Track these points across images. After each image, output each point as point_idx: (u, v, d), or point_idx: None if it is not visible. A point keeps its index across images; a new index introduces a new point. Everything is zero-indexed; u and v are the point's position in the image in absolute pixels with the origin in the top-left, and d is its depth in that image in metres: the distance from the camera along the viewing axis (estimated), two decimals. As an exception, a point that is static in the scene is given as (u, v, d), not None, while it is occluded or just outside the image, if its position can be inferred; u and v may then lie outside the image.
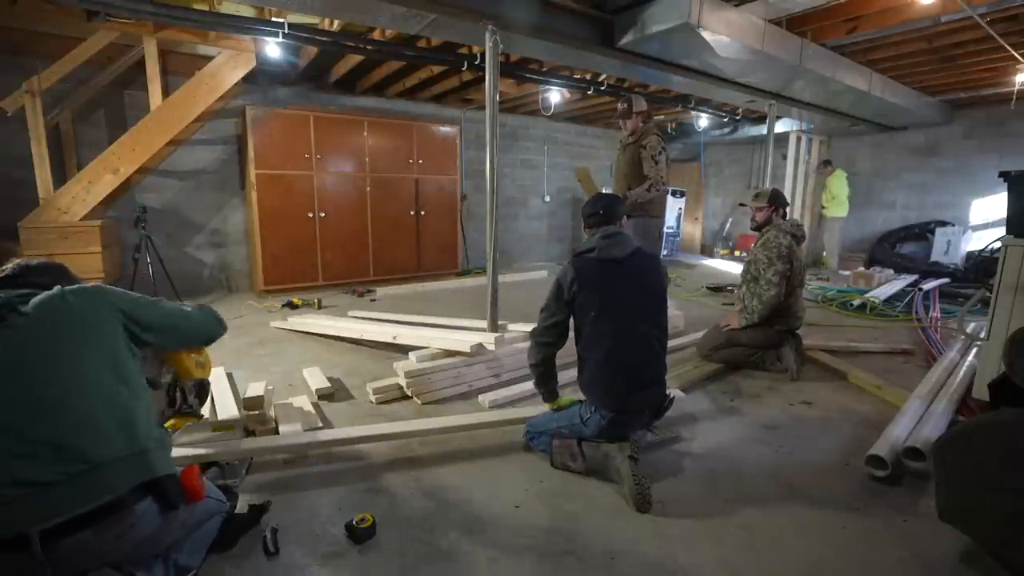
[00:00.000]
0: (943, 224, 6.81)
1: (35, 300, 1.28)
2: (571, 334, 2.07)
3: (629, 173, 3.63)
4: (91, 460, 1.14)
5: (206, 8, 3.67)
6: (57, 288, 1.34)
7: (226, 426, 2.14)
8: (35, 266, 1.44)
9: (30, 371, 1.18)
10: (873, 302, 4.89)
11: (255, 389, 2.51)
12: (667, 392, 2.07)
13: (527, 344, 3.07)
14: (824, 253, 7.55)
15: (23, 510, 1.08)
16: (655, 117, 7.52)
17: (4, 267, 1.42)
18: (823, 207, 7.44)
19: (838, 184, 7.28)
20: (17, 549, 1.07)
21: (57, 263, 1.52)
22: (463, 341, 2.91)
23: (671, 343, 3.43)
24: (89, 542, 1.12)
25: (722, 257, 8.88)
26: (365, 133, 5.69)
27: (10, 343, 1.20)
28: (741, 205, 3.48)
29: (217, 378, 2.79)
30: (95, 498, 1.12)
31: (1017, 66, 4.76)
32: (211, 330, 1.72)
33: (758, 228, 3.23)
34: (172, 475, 1.27)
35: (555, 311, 2.01)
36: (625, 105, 3.62)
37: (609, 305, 1.92)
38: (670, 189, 7.60)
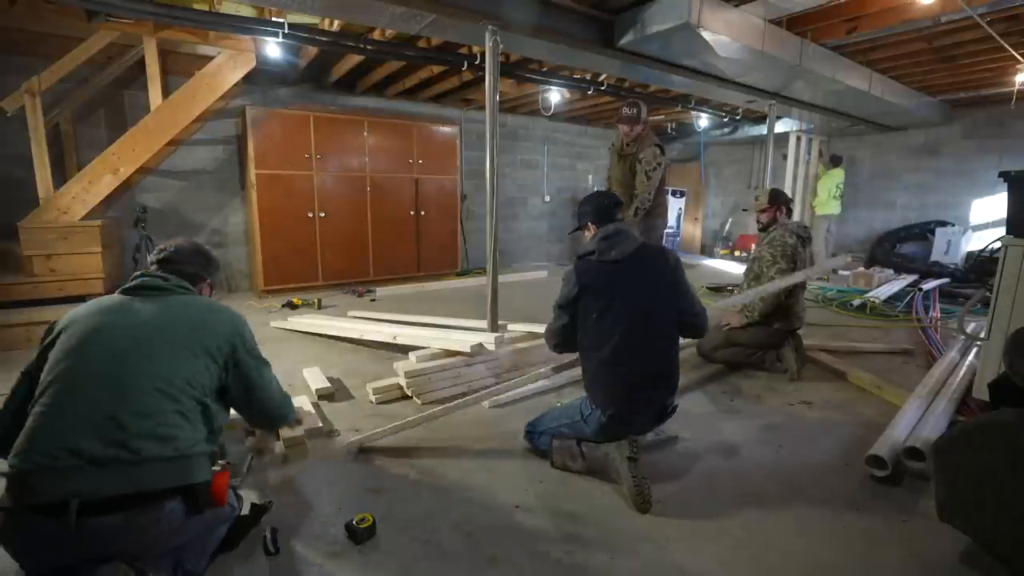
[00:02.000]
0: (943, 224, 6.81)
1: (182, 298, 1.51)
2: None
3: (630, 183, 3.61)
4: (141, 452, 1.23)
5: (206, 8, 3.67)
6: (206, 299, 1.62)
7: (228, 425, 2.14)
8: (183, 250, 1.67)
9: (131, 351, 1.33)
10: (873, 302, 4.89)
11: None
12: (672, 400, 2.01)
13: (527, 345, 3.09)
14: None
15: (71, 479, 1.16)
16: (655, 117, 7.53)
17: (163, 247, 1.66)
18: (812, 205, 7.48)
19: (823, 184, 7.31)
20: (53, 515, 1.14)
21: (201, 249, 1.73)
22: (463, 341, 2.91)
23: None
24: (118, 526, 1.18)
25: (722, 257, 8.87)
26: (365, 133, 5.69)
27: (138, 321, 1.40)
28: (744, 211, 3.45)
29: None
30: (135, 485, 1.20)
31: (1017, 66, 4.75)
32: (283, 414, 1.80)
33: (764, 228, 3.23)
34: (207, 482, 1.33)
35: (561, 315, 2.02)
36: (634, 111, 3.50)
37: (611, 307, 1.89)
38: (670, 189, 7.61)
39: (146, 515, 1.21)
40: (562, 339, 2.06)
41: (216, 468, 1.39)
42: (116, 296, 1.49)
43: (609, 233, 1.98)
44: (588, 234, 2.11)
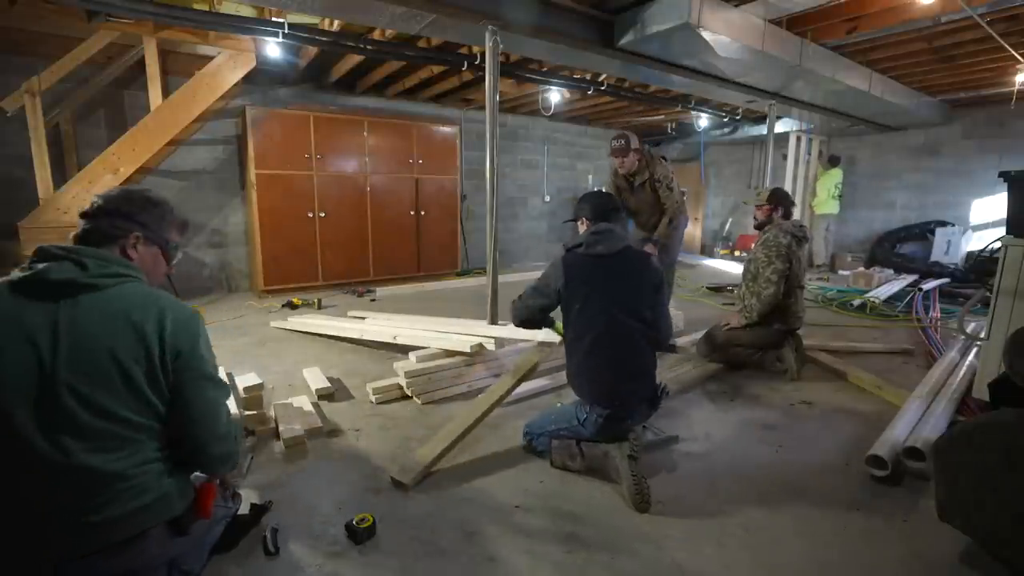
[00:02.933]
0: (943, 224, 6.80)
1: (109, 296, 1.13)
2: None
3: (655, 204, 3.70)
4: (117, 512, 1.12)
5: (206, 8, 3.67)
6: (141, 286, 1.20)
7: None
8: (112, 201, 1.25)
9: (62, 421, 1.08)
10: (873, 302, 4.89)
11: (249, 380, 2.52)
12: (658, 383, 2.06)
13: (527, 344, 3.09)
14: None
15: (47, 552, 1.07)
16: (655, 117, 7.54)
17: (95, 198, 1.25)
18: (811, 205, 7.56)
19: (822, 184, 7.41)
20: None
21: (132, 193, 1.30)
22: (463, 341, 2.91)
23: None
24: (99, 565, 1.12)
25: (722, 257, 8.88)
26: (365, 133, 5.69)
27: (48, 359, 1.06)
28: (745, 203, 3.51)
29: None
30: (116, 538, 1.12)
31: (1017, 66, 4.75)
32: (229, 448, 1.35)
33: (759, 227, 3.23)
34: (188, 508, 1.26)
35: (537, 297, 2.10)
36: (622, 142, 3.54)
37: (593, 299, 1.96)
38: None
39: (130, 551, 1.15)
40: (529, 316, 2.15)
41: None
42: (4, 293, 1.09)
43: (600, 230, 2.07)
44: (581, 227, 2.20)
